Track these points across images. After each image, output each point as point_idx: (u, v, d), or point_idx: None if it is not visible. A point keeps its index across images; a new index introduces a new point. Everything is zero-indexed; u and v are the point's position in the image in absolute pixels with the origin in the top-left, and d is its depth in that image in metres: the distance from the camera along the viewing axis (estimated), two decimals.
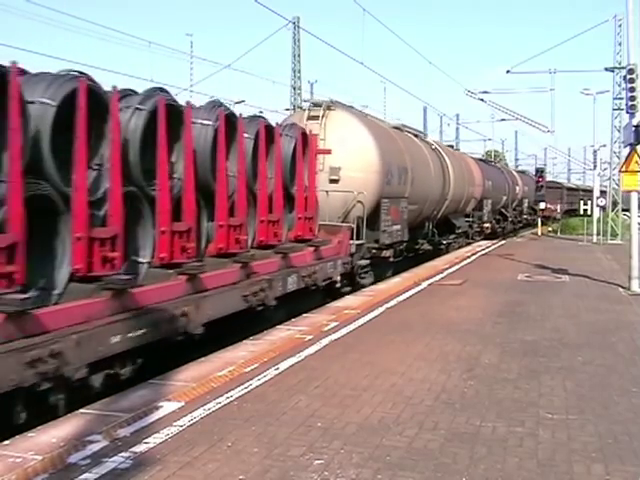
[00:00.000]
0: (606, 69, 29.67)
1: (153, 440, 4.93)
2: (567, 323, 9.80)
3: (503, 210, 33.00)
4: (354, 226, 13.49)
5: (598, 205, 30.09)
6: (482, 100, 31.34)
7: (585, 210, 32.41)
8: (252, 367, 7.04)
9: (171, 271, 7.77)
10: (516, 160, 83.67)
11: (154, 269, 7.59)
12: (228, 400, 5.92)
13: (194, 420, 5.38)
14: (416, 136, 20.06)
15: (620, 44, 29.37)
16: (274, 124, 10.83)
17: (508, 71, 27.35)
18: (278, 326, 9.32)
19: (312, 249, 11.68)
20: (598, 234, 29.00)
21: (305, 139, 11.92)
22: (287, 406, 5.77)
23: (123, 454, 4.66)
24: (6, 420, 5.33)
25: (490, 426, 5.31)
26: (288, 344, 8.17)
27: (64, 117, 6.18)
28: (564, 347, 8.18)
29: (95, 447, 4.79)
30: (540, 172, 37.74)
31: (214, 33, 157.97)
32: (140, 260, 7.46)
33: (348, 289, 13.23)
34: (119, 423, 5.27)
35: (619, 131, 28.90)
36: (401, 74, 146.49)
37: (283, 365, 7.15)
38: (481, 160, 31.64)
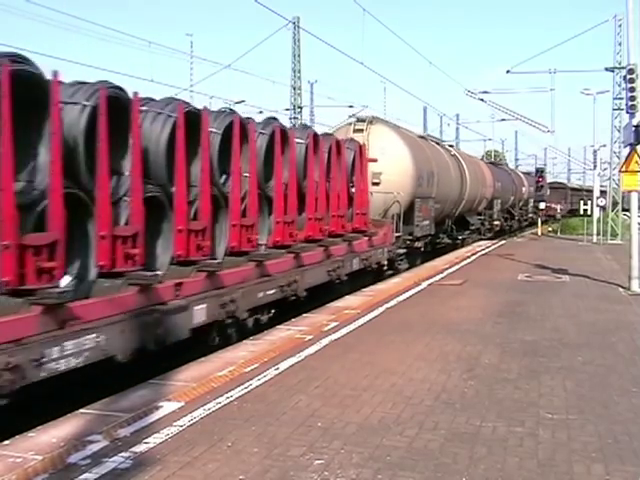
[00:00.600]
0: (606, 69, 29.68)
1: (153, 440, 4.93)
2: (567, 323, 9.80)
3: (510, 209, 35.28)
4: (393, 221, 16.27)
5: (598, 205, 30.10)
6: (482, 100, 31.35)
7: (585, 210, 32.44)
8: (252, 367, 7.04)
9: (283, 251, 10.55)
10: (516, 160, 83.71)
11: (271, 249, 10.24)
12: (228, 400, 5.92)
13: (194, 420, 5.39)
14: (438, 144, 23.27)
15: (620, 44, 29.38)
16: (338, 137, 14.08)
17: (508, 71, 27.37)
18: (278, 326, 9.33)
19: (367, 239, 14.49)
20: (598, 234, 29.00)
21: (361, 150, 14.73)
22: (287, 406, 5.77)
23: (123, 454, 4.66)
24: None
25: (490, 426, 5.31)
26: (288, 344, 8.17)
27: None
28: (564, 347, 8.18)
29: (95, 447, 4.79)
30: (540, 172, 37.83)
31: (214, 33, 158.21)
32: (260, 242, 9.93)
33: (390, 272, 16.09)
34: (119, 423, 5.27)
35: (619, 131, 28.90)
36: (401, 74, 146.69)
37: (283, 365, 7.15)
38: (491, 163, 34.67)
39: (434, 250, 20.72)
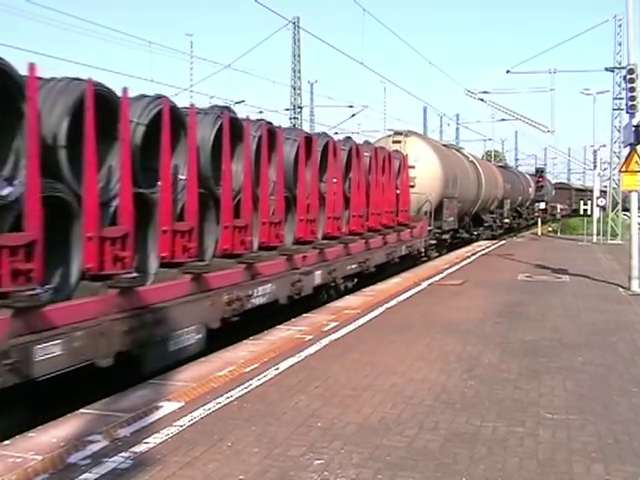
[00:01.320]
0: (606, 69, 29.67)
1: (153, 440, 4.93)
2: (567, 323, 9.80)
3: (518, 208, 38.01)
4: (426, 217, 19.80)
5: (598, 205, 30.10)
6: (482, 100, 31.39)
7: (585, 210, 32.46)
8: (252, 367, 7.04)
9: (357, 237, 13.99)
10: (516, 160, 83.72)
11: (348, 236, 13.52)
12: (228, 400, 5.92)
13: (194, 420, 5.39)
14: (458, 150, 27.18)
15: (620, 44, 29.37)
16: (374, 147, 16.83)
17: (508, 71, 27.40)
18: (278, 326, 9.33)
19: (409, 230, 18.17)
20: (598, 234, 29.01)
21: (404, 160, 18.46)
22: (287, 406, 5.77)
23: (123, 454, 4.66)
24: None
25: (490, 426, 5.31)
26: (288, 344, 8.17)
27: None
28: (564, 347, 8.18)
29: (95, 447, 4.79)
30: (540, 172, 37.95)
31: (214, 33, 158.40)
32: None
33: (425, 258, 19.97)
34: (119, 423, 5.27)
35: (619, 131, 28.88)
36: (401, 74, 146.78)
37: (283, 365, 7.15)
38: (501, 166, 37.61)
39: (453, 243, 23.91)
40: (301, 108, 43.04)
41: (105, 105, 6.63)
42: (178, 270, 7.78)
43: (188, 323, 7.45)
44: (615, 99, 30.58)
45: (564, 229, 37.08)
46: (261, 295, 9.29)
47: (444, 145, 25.51)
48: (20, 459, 4.55)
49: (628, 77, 14.44)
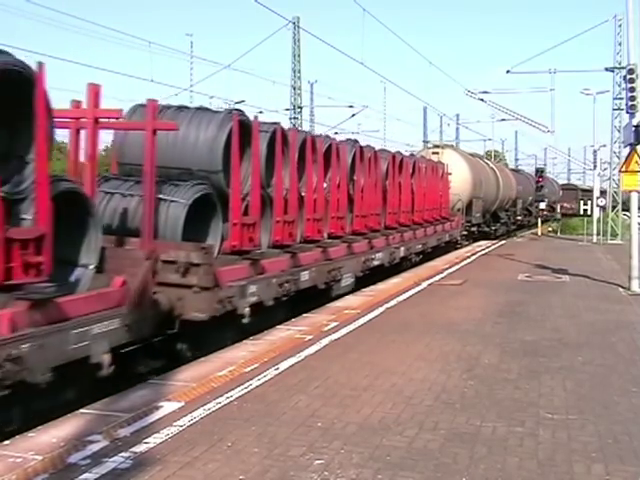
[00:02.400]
0: (606, 69, 29.69)
1: (153, 440, 4.93)
2: (567, 323, 9.80)
3: (529, 207, 41.86)
4: (459, 213, 25.05)
5: (598, 205, 30.10)
6: (482, 100, 31.42)
7: (585, 210, 32.47)
8: (252, 367, 7.04)
9: (393, 230, 16.48)
10: (516, 160, 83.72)
11: (385, 230, 16.03)
12: (228, 400, 5.92)
13: (194, 420, 5.38)
14: (481, 159, 33.51)
15: (620, 44, 29.38)
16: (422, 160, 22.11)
17: (508, 71, 27.42)
18: (278, 326, 9.32)
19: (449, 223, 23.01)
20: (598, 234, 29.01)
21: (446, 169, 23.26)
22: (287, 406, 5.77)
23: (123, 454, 4.66)
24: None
25: (490, 426, 5.31)
26: (288, 344, 8.17)
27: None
28: (564, 347, 8.18)
29: (95, 447, 4.78)
30: (540, 172, 37.99)
31: (214, 33, 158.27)
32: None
33: (459, 245, 24.83)
34: (119, 423, 5.27)
35: (619, 131, 28.88)
36: (401, 74, 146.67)
37: (283, 365, 7.15)
38: (514, 170, 43.93)
39: (476, 237, 28.95)
40: (301, 108, 43.06)
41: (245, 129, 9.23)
42: (280, 251, 10.38)
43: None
44: (615, 99, 30.61)
45: (564, 229, 37.10)
46: (307, 279, 10.90)
47: (470, 155, 30.66)
48: (20, 459, 4.55)
49: (628, 77, 14.45)
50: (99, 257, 6.85)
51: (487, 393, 6.21)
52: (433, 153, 25.69)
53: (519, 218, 38.72)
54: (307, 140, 11.47)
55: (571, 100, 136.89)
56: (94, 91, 7.68)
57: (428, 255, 19.64)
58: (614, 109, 31.00)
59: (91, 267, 6.74)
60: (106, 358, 6.26)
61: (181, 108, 9.99)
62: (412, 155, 22.30)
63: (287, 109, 42.30)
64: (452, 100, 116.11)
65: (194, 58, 44.77)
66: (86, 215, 6.71)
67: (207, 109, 10.31)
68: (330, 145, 12.70)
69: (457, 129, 65.57)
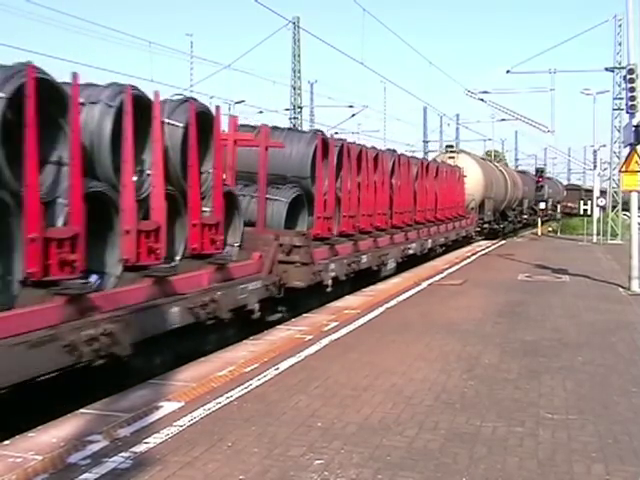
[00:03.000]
0: (606, 69, 29.68)
1: (153, 440, 4.93)
2: (567, 323, 9.80)
3: (534, 206, 43.21)
4: (473, 212, 27.65)
5: (598, 205, 30.10)
6: (482, 100, 31.42)
7: (585, 210, 32.47)
8: (252, 367, 7.04)
9: (422, 225, 19.03)
10: (516, 160, 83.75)
11: (416, 225, 18.41)
12: (228, 400, 5.92)
13: (194, 420, 5.38)
14: (491, 162, 36.50)
15: (620, 44, 29.36)
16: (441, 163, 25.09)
17: (508, 71, 27.42)
18: (278, 326, 9.33)
19: (465, 220, 25.76)
20: (598, 234, 29.02)
21: (462, 172, 26.16)
22: (287, 406, 5.77)
23: (123, 454, 4.66)
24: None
25: (490, 426, 5.31)
26: (288, 344, 8.17)
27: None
28: (564, 347, 8.18)
29: (95, 447, 4.79)
30: (540, 172, 38.10)
31: (214, 33, 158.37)
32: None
33: (472, 241, 27.37)
34: (119, 423, 5.27)
35: (619, 131, 28.88)
36: (401, 74, 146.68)
37: (283, 365, 7.15)
38: (520, 172, 46.39)
39: (489, 231, 31.79)
40: (301, 108, 43.04)
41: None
42: (346, 239, 13.31)
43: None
44: (615, 99, 30.59)
45: (564, 229, 37.12)
46: (365, 261, 13.85)
47: (482, 158, 34.50)
48: (20, 459, 4.55)
49: (628, 77, 14.45)
50: (241, 238, 9.57)
51: (487, 393, 6.21)
52: (449, 157, 28.46)
53: (525, 217, 41.00)
54: (362, 151, 14.15)
55: (571, 100, 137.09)
56: (234, 122, 11.53)
57: (448, 247, 21.93)
58: (614, 109, 30.98)
59: (236, 245, 9.45)
60: (256, 306, 9.09)
61: (275, 128, 12.62)
62: (434, 160, 25.48)
63: (287, 109, 42.31)
64: (452, 100, 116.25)
65: (194, 58, 44.79)
66: (235, 209, 9.45)
67: (297, 130, 14.88)
68: (377, 155, 15.27)
69: (457, 129, 65.61)
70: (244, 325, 8.97)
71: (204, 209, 8.27)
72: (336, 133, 32.35)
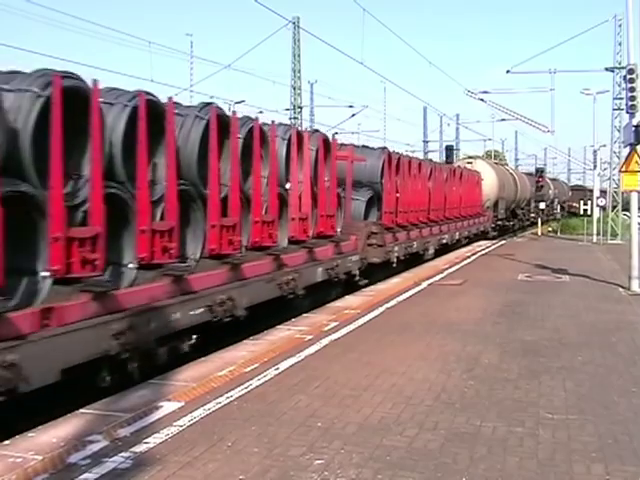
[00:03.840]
0: (606, 69, 29.66)
1: (153, 440, 4.93)
2: (567, 323, 9.80)
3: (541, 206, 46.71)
4: (489, 210, 31.42)
5: (598, 205, 30.10)
6: (482, 100, 31.41)
7: (585, 210, 32.48)
8: (252, 367, 7.04)
9: (450, 220, 22.95)
10: (516, 160, 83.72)
11: (446, 220, 22.45)
12: (228, 400, 5.92)
13: (194, 420, 5.39)
14: (503, 166, 40.15)
15: (620, 44, 29.37)
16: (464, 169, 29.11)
17: (508, 71, 27.38)
18: (278, 326, 9.33)
19: (482, 217, 29.46)
20: (598, 234, 29.01)
21: (480, 176, 29.82)
22: (287, 406, 5.77)
23: (123, 454, 4.67)
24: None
25: (490, 426, 5.31)
26: (288, 344, 8.17)
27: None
28: (564, 347, 8.18)
29: (95, 447, 4.79)
30: (540, 172, 38.18)
31: (214, 33, 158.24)
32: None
33: (488, 235, 31.21)
34: (119, 423, 5.27)
35: (619, 131, 28.88)
36: (401, 74, 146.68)
37: (283, 365, 7.15)
38: (529, 174, 48.40)
39: (501, 228, 35.61)
40: (301, 108, 43.02)
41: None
42: (401, 229, 17.31)
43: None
44: (615, 99, 30.59)
45: (564, 229, 37.13)
46: (415, 247, 18.19)
47: (496, 163, 38.60)
48: (20, 459, 4.56)
49: (628, 77, 14.44)
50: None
51: (487, 393, 6.21)
52: (467, 163, 32.70)
53: (532, 215, 43.78)
54: (411, 161, 18.40)
55: (571, 100, 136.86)
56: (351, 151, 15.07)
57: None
58: (614, 109, 30.99)
59: (338, 231, 12.67)
60: (357, 273, 13.28)
61: (354, 146, 16.94)
62: (459, 167, 28.76)
63: (287, 109, 42.28)
64: (452, 100, 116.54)
65: (194, 58, 44.83)
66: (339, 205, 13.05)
67: (368, 147, 17.99)
68: (419, 163, 19.68)
69: (457, 129, 65.69)
70: (347, 286, 13.06)
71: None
72: (336, 133, 32.38)
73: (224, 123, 8.71)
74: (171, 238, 7.38)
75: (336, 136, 16.65)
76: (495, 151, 70.64)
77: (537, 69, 29.05)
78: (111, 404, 5.80)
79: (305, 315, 10.22)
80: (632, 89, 14.11)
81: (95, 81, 6.34)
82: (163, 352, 7.19)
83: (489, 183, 31.18)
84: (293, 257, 10.66)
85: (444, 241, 21.79)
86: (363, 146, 18.14)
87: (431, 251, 19.73)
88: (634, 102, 13.87)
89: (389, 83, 62.30)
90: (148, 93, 7.47)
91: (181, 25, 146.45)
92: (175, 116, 7.80)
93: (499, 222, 34.17)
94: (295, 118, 41.84)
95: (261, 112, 34.61)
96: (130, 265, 7.07)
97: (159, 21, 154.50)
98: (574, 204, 57.38)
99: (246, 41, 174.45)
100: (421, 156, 44.21)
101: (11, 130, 5.86)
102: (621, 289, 13.40)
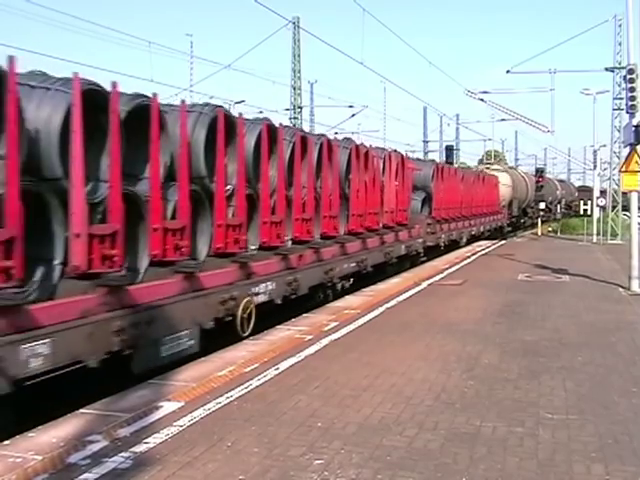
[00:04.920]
0: (606, 69, 29.63)
1: (153, 440, 4.93)
2: (567, 323, 9.80)
3: (549, 205, 50.05)
4: (505, 208, 35.55)
5: (598, 205, 30.09)
6: (482, 100, 31.42)
7: (585, 210, 32.48)
8: (252, 367, 7.04)
9: (477, 216, 28.44)
10: (516, 160, 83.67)
11: (473, 216, 27.50)
12: (228, 400, 5.92)
13: (194, 420, 5.39)
14: (515, 169, 44.63)
15: (620, 44, 29.34)
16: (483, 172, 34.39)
17: (508, 71, 27.37)
18: (278, 326, 9.33)
19: (500, 215, 33.99)
20: (598, 234, 29.01)
21: (498, 179, 33.85)
22: (287, 406, 5.77)
23: (123, 454, 4.67)
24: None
25: (490, 426, 5.31)
26: (288, 344, 8.17)
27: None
28: (564, 347, 8.18)
29: (95, 447, 4.79)
30: (540, 172, 38.22)
31: (214, 33, 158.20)
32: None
33: (509, 228, 37.02)
34: (119, 423, 5.27)
35: (619, 131, 28.86)
36: (401, 74, 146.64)
37: (283, 365, 7.15)
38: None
39: (514, 225, 40.20)
40: (301, 108, 43.04)
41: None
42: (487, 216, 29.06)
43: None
44: (615, 99, 30.56)
45: (564, 229, 37.14)
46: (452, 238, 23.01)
47: (510, 167, 43.92)
48: (20, 459, 4.56)
49: (628, 77, 14.44)
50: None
51: (487, 393, 6.21)
52: (486, 168, 36.76)
53: (542, 213, 48.03)
54: (450, 169, 23.81)
55: (571, 100, 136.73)
56: (414, 163, 19.37)
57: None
58: (614, 109, 30.96)
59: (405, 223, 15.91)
60: (422, 251, 18.69)
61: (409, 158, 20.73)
62: (481, 172, 33.34)
63: (287, 109, 42.30)
64: (452, 100, 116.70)
65: (194, 58, 44.82)
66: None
67: (420, 159, 23.72)
68: (455, 170, 25.37)
69: (457, 129, 65.75)
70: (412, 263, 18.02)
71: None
72: (336, 133, 32.38)
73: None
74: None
75: (336, 136, 17.10)
76: (495, 151, 70.65)
77: (537, 69, 29.07)
78: (111, 404, 5.80)
79: (305, 315, 10.23)
80: (632, 89, 14.11)
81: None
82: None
83: (504, 185, 35.70)
84: (391, 236, 16.07)
85: (473, 232, 27.24)
86: (417, 159, 24.47)
87: (464, 240, 25.24)
88: (634, 102, 13.87)
89: (389, 83, 62.26)
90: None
91: (181, 25, 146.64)
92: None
93: (513, 219, 38.68)
94: (295, 118, 41.85)
95: (261, 112, 34.59)
96: (252, 247, 9.28)
97: (159, 21, 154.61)
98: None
99: (246, 41, 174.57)
100: (421, 156, 44.56)
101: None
102: (621, 289, 13.40)
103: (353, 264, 13.08)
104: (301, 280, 10.53)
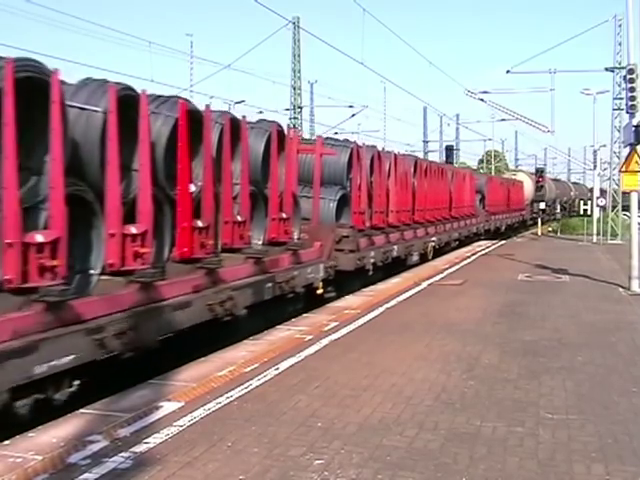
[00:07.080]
0: (606, 69, 29.65)
1: (153, 440, 4.93)
2: (567, 323, 9.80)
3: (564, 204, 56.60)
4: (527, 206, 43.57)
5: (598, 205, 30.09)
6: (482, 100, 31.46)
7: (585, 210, 32.49)
8: (252, 367, 7.04)
9: (507, 211, 38.06)
10: (516, 160, 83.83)
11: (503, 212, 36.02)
12: (228, 400, 5.92)
13: (194, 420, 5.39)
14: (535, 174, 48.79)
15: (620, 44, 29.34)
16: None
17: (508, 71, 27.40)
18: (278, 326, 9.33)
19: (524, 211, 42.92)
20: (598, 234, 29.00)
21: (522, 184, 43.95)
22: (287, 406, 5.77)
23: (123, 454, 4.67)
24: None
25: (490, 426, 5.31)
26: (288, 344, 8.17)
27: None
28: (564, 347, 8.18)
29: (95, 447, 4.79)
30: (540, 172, 38.20)
31: (214, 33, 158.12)
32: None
33: (531, 222, 43.93)
34: (119, 423, 5.27)
35: (619, 131, 28.86)
36: (401, 74, 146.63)
37: (283, 365, 7.15)
38: (555, 179, 59.47)
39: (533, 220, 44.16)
40: (301, 108, 43.08)
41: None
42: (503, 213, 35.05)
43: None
44: (615, 99, 30.57)
45: (564, 229, 37.16)
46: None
47: (531, 173, 47.22)
48: (20, 459, 4.56)
49: (628, 77, 14.43)
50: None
51: (487, 393, 6.21)
52: (512, 174, 45.10)
53: (557, 211, 53.75)
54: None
55: (571, 100, 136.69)
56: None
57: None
58: (614, 109, 30.97)
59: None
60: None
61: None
62: (509, 178, 41.12)
63: (287, 109, 42.35)
64: (452, 100, 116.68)
65: (194, 58, 44.83)
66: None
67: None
68: (501, 181, 35.45)
69: (457, 129, 65.87)
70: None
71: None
72: (336, 133, 32.42)
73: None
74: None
75: (335, 136, 17.22)
76: (495, 151, 70.73)
77: (537, 69, 29.11)
78: (111, 404, 5.80)
79: (305, 315, 10.23)
80: (632, 89, 14.10)
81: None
82: None
83: (527, 188, 42.70)
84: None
85: (509, 222, 35.17)
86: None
87: (503, 228, 32.27)
88: (634, 102, 13.87)
89: (389, 83, 62.33)
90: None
91: (181, 25, 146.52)
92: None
93: (534, 215, 43.48)
94: (295, 118, 41.87)
95: (261, 112, 34.63)
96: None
97: (159, 21, 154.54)
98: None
99: (246, 41, 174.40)
100: (421, 156, 44.81)
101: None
102: (621, 289, 13.40)
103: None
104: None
